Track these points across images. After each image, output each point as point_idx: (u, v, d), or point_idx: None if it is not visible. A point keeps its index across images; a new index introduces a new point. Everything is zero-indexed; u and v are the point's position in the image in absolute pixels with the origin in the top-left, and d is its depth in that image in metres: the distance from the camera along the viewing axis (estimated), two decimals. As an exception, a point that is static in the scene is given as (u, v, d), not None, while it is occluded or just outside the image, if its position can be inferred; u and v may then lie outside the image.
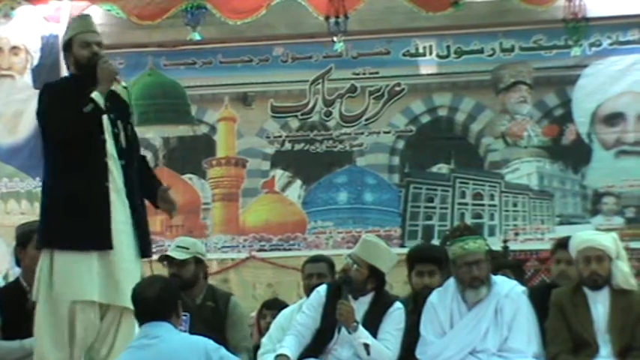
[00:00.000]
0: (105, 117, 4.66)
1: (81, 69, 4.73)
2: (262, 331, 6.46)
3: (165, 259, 6.06)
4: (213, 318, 5.92)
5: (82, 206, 4.57)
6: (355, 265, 5.58)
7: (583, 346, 5.43)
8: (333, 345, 5.51)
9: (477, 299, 5.52)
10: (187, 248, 6.04)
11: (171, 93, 9.39)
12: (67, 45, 4.81)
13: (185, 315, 5.46)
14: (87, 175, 4.59)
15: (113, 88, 4.83)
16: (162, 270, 6.13)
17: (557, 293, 5.62)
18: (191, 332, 5.33)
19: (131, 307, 4.62)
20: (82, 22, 4.93)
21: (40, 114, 4.76)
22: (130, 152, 4.77)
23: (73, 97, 4.58)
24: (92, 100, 4.54)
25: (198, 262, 6.06)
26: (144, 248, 4.78)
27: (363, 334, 5.43)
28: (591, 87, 8.80)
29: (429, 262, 5.90)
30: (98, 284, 4.58)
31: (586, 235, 5.74)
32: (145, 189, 4.93)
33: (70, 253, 4.59)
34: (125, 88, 4.83)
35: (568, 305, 5.52)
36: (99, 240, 4.60)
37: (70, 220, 4.57)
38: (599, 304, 5.50)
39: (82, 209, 4.57)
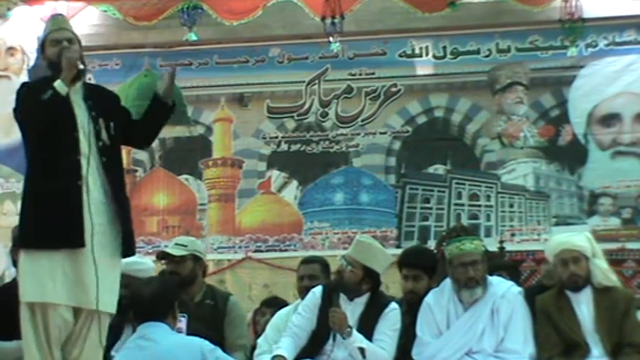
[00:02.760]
0: (80, 114, 4.61)
1: (52, 68, 4.70)
2: (260, 330, 6.46)
3: (162, 256, 6.07)
4: (211, 316, 5.90)
5: (52, 205, 4.48)
6: (349, 267, 5.57)
7: (574, 348, 5.43)
8: (329, 346, 5.50)
9: (473, 300, 5.52)
10: (185, 246, 6.05)
11: (167, 94, 9.37)
12: (42, 47, 4.80)
13: (183, 316, 5.46)
14: (58, 174, 4.51)
15: (100, 85, 4.82)
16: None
17: (541, 299, 5.63)
18: (189, 331, 5.31)
19: (103, 309, 4.54)
20: (52, 21, 4.88)
21: (15, 110, 4.73)
22: (112, 150, 4.70)
23: (42, 92, 4.54)
24: (53, 88, 4.50)
25: (197, 259, 6.06)
26: (125, 248, 4.68)
27: (357, 339, 5.39)
28: (587, 88, 8.81)
29: (414, 267, 5.88)
30: (67, 286, 4.50)
31: (560, 239, 5.74)
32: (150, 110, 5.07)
33: (36, 252, 4.50)
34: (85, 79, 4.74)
35: (553, 309, 5.52)
36: (70, 238, 4.48)
37: (41, 218, 4.50)
38: (583, 305, 5.51)
39: (52, 207, 4.48)
